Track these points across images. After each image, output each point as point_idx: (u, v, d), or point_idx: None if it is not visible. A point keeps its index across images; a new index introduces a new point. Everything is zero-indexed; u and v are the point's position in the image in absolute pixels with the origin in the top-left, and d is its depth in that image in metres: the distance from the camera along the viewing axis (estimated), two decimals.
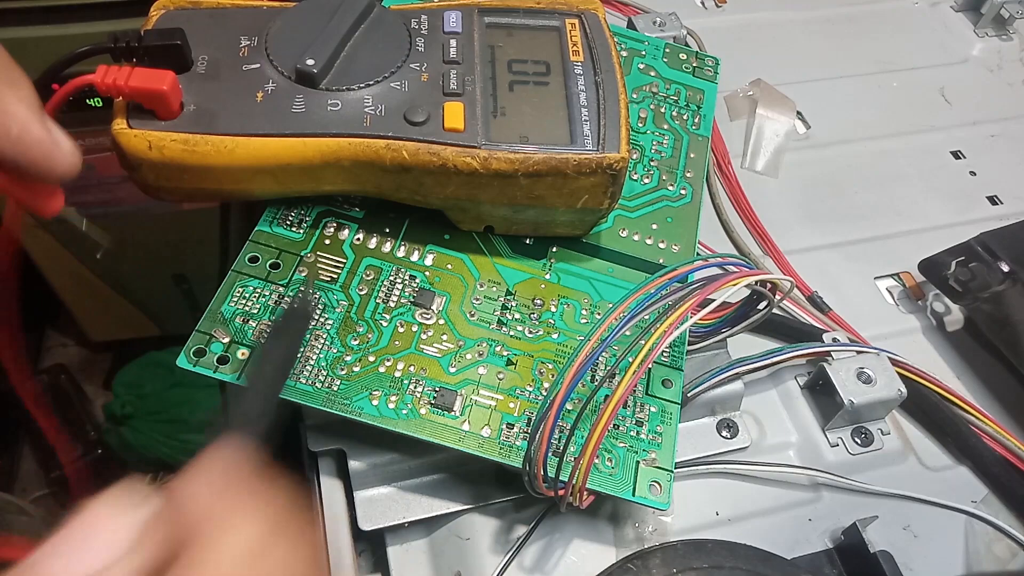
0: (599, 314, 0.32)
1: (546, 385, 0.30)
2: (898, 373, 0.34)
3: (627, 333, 0.25)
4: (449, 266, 0.32)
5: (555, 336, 0.31)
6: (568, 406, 0.30)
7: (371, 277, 0.31)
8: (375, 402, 0.29)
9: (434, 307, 0.31)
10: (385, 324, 0.30)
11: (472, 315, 0.31)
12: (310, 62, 0.29)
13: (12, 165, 0.25)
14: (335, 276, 0.31)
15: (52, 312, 0.98)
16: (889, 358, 0.34)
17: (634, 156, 0.37)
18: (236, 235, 0.34)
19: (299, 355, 0.28)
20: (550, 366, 0.31)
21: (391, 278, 0.32)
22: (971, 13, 0.55)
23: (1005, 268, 0.38)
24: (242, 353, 0.29)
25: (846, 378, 0.34)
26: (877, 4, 0.55)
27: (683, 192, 0.36)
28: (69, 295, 0.88)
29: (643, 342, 0.25)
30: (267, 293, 0.30)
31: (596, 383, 0.31)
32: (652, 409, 0.31)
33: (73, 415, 0.88)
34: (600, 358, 0.31)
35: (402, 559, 0.31)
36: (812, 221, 0.43)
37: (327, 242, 0.32)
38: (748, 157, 0.45)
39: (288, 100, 0.29)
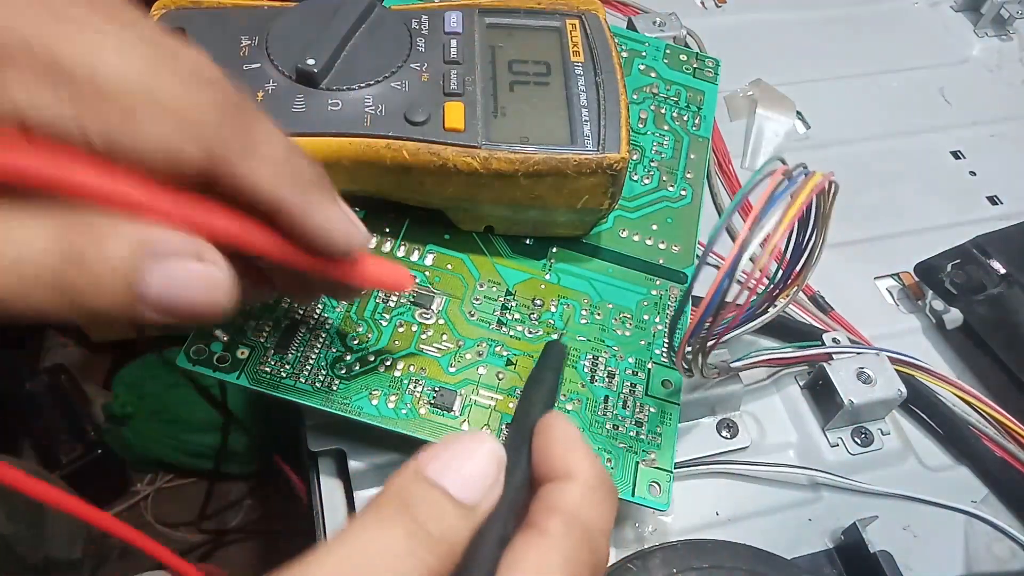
0: (599, 315, 0.32)
1: None
2: (899, 371, 0.34)
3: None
4: (449, 266, 0.32)
5: (555, 337, 0.31)
6: (569, 406, 0.30)
7: None
8: (375, 402, 0.29)
9: (434, 307, 0.31)
10: (385, 324, 0.30)
11: (472, 315, 0.31)
12: (311, 62, 0.29)
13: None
14: None
15: None
16: (889, 356, 0.34)
17: (634, 157, 0.37)
18: None
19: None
20: None
21: None
22: (971, 13, 0.55)
23: (1000, 270, 0.38)
24: (242, 352, 0.29)
25: (846, 378, 0.34)
26: (877, 4, 0.55)
27: (683, 193, 0.36)
28: None
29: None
30: None
31: (596, 383, 0.31)
32: (651, 410, 0.31)
33: (73, 415, 0.88)
34: (600, 358, 0.31)
35: None
36: None
37: None
38: (748, 157, 0.45)
39: (288, 100, 0.29)
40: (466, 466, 0.18)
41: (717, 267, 0.24)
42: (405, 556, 0.16)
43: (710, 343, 0.27)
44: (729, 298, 0.24)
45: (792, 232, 0.28)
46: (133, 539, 0.18)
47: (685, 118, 0.39)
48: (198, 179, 0.18)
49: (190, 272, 0.18)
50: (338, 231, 0.21)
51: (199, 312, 0.19)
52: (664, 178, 0.37)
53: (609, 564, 0.30)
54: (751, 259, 0.24)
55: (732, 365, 0.31)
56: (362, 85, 0.30)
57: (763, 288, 0.30)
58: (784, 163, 0.25)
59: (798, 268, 0.29)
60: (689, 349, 0.27)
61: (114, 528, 0.18)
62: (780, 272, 0.29)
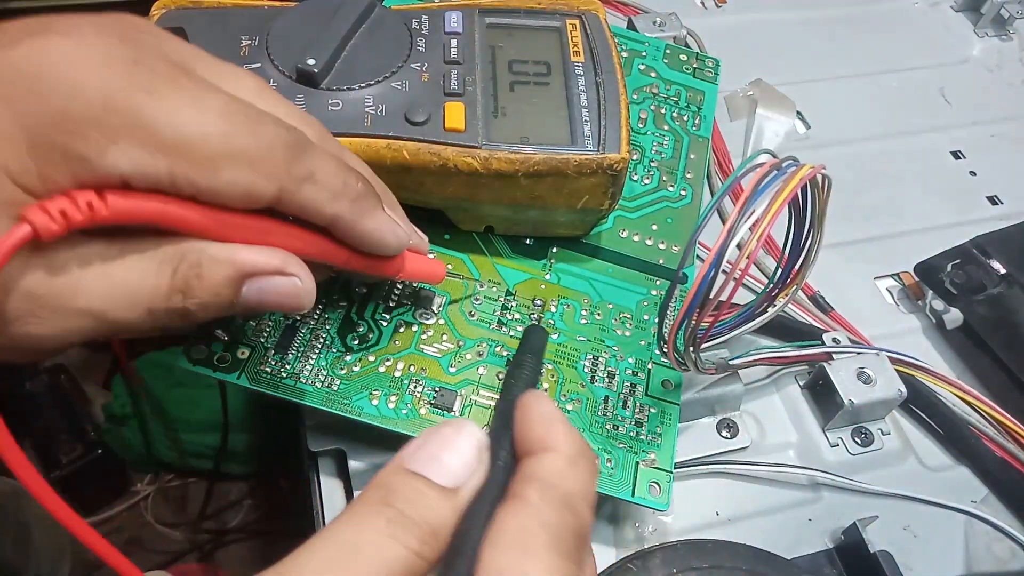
0: (599, 315, 0.32)
1: (546, 386, 0.30)
2: (899, 371, 0.34)
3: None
4: (449, 266, 0.32)
5: (555, 337, 0.31)
6: (569, 406, 0.30)
7: None
8: (375, 402, 0.29)
9: (434, 307, 0.31)
10: (385, 324, 0.30)
11: (472, 315, 0.31)
12: (311, 62, 0.29)
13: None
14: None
15: None
16: (889, 356, 0.34)
17: (634, 157, 0.37)
18: None
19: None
20: (549, 366, 0.31)
21: None
22: (971, 13, 0.55)
23: (1000, 270, 0.38)
24: (242, 353, 0.29)
25: (846, 378, 0.34)
26: (877, 4, 0.55)
27: (683, 193, 0.36)
28: None
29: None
30: None
31: (595, 383, 0.31)
32: (651, 410, 0.31)
33: (73, 415, 0.87)
34: (600, 358, 0.31)
35: None
36: None
37: None
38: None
39: (289, 100, 0.29)
40: (445, 453, 0.19)
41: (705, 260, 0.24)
42: (387, 539, 0.17)
43: (700, 334, 0.27)
44: (718, 288, 0.24)
45: (790, 230, 0.28)
46: (107, 556, 0.18)
47: (685, 118, 0.39)
48: (266, 206, 0.22)
49: (278, 285, 0.22)
50: (387, 234, 0.25)
51: (284, 310, 0.24)
52: (664, 178, 0.37)
53: (609, 564, 0.30)
54: (738, 246, 0.24)
55: (731, 363, 0.31)
56: (362, 85, 0.30)
57: (763, 288, 0.30)
58: (774, 156, 0.25)
59: (797, 266, 0.29)
60: (681, 340, 0.27)
61: (92, 543, 0.18)
62: (779, 271, 0.29)
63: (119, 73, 0.19)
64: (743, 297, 0.38)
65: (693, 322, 0.26)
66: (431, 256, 0.30)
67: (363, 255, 0.25)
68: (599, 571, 0.30)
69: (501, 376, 0.30)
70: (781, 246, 0.29)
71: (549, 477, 0.19)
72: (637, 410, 0.30)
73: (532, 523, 0.18)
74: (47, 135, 0.18)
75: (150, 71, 0.20)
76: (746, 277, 0.39)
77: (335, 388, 0.29)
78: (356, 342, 0.30)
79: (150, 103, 0.19)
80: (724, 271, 0.24)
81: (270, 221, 0.22)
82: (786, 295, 0.30)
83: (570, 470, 0.19)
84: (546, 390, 0.30)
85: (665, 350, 0.28)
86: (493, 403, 0.30)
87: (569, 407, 0.30)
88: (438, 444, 0.19)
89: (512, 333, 0.31)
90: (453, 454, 0.19)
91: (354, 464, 0.31)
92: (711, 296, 0.24)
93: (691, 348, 0.27)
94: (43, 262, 0.19)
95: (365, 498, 0.18)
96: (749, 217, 0.23)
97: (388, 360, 0.30)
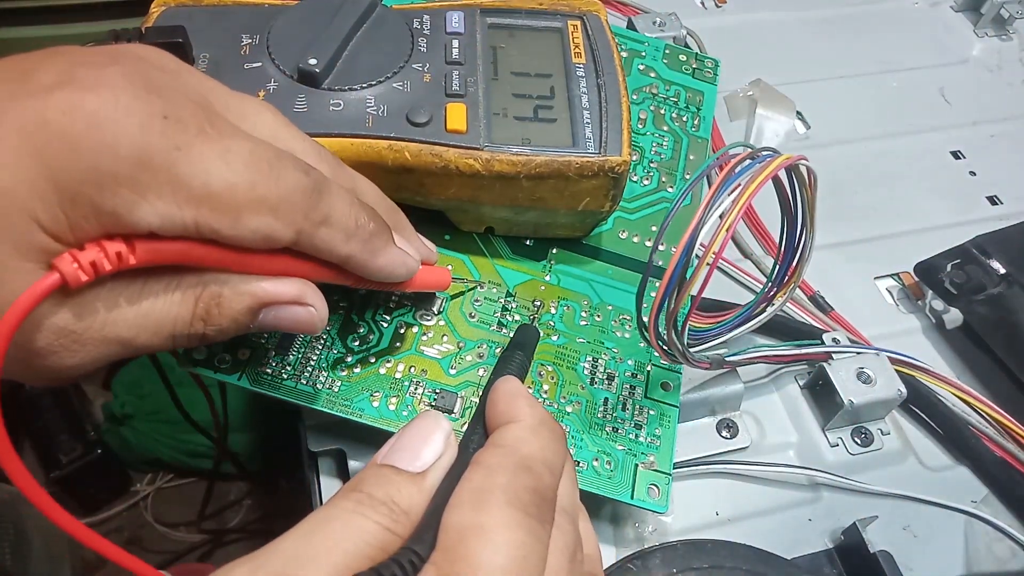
0: (599, 316, 0.32)
1: (546, 387, 0.30)
2: (899, 372, 0.34)
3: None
4: (449, 267, 0.32)
5: (554, 338, 0.32)
6: (569, 408, 0.30)
7: None
8: (375, 403, 0.29)
9: (434, 308, 0.31)
10: (386, 325, 0.30)
11: (472, 316, 0.31)
12: (312, 61, 0.29)
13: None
14: None
15: None
16: (889, 356, 0.35)
17: (634, 158, 0.37)
18: None
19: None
20: (549, 368, 0.31)
21: None
22: (971, 13, 0.55)
23: (1000, 270, 0.38)
24: (242, 354, 0.29)
25: (846, 378, 0.34)
26: (877, 4, 0.55)
27: None
28: None
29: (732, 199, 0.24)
30: None
31: (595, 384, 0.31)
32: (651, 412, 0.31)
33: (73, 415, 0.87)
34: (600, 360, 0.31)
35: None
36: None
37: None
38: None
39: (290, 100, 0.29)
40: (411, 443, 0.20)
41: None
42: (354, 515, 0.18)
43: (682, 320, 0.26)
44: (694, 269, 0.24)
45: (783, 229, 0.28)
46: (115, 557, 0.18)
47: (684, 119, 0.39)
48: (283, 247, 0.23)
49: (295, 312, 0.24)
50: (397, 267, 0.26)
51: (297, 332, 0.25)
52: (663, 179, 0.37)
53: (609, 564, 0.30)
54: (720, 216, 0.24)
55: (727, 359, 0.31)
56: (364, 85, 0.30)
57: (761, 288, 0.30)
58: (751, 148, 0.25)
59: (793, 264, 0.29)
60: (663, 325, 0.27)
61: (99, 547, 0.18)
62: (776, 270, 0.29)
63: (149, 130, 0.20)
64: (743, 297, 0.38)
65: (673, 305, 0.25)
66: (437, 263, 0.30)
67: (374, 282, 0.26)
68: None
69: None
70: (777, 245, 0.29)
71: (508, 443, 0.20)
72: (636, 412, 0.30)
73: (488, 483, 0.19)
74: (79, 191, 0.19)
75: (179, 124, 0.20)
76: (746, 278, 0.39)
77: (336, 389, 0.29)
78: (357, 343, 0.30)
79: (179, 159, 0.20)
80: (697, 256, 0.24)
81: (285, 256, 0.23)
82: (784, 294, 0.30)
83: (529, 436, 0.20)
84: (546, 392, 0.30)
85: (647, 337, 0.27)
86: None
87: (569, 409, 0.30)
88: (405, 437, 0.20)
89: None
90: (418, 442, 0.20)
91: (354, 464, 0.31)
92: (687, 278, 0.24)
93: (674, 334, 0.27)
94: (73, 302, 0.20)
95: (339, 491, 0.19)
96: (729, 195, 0.24)
97: (388, 361, 0.30)
